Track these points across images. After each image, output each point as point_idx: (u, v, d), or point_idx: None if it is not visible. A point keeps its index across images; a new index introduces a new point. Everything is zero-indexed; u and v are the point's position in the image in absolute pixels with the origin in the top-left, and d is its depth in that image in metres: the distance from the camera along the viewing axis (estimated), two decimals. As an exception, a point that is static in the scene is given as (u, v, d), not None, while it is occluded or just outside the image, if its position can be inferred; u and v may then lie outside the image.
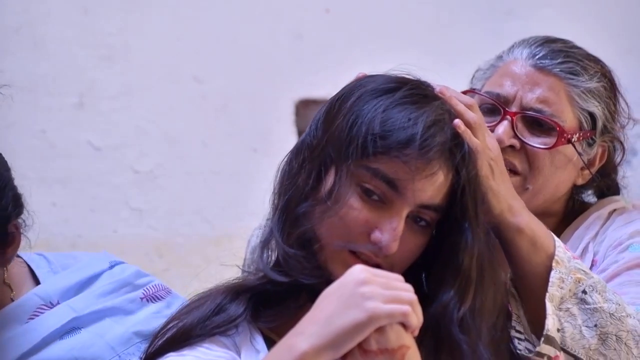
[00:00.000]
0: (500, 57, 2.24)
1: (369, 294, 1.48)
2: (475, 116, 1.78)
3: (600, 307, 1.85)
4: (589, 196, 2.29)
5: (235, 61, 3.65)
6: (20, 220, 1.91)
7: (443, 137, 1.65)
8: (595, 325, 1.85)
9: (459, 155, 1.67)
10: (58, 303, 1.96)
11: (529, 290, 1.84)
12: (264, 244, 1.71)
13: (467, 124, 1.75)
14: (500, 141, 2.09)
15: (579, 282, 1.85)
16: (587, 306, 1.85)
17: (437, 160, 1.64)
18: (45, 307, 1.95)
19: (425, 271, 1.71)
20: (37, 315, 1.94)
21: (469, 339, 1.65)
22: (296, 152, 1.72)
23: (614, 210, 2.22)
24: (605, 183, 2.26)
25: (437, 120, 1.66)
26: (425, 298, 1.71)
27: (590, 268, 2.13)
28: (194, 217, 3.61)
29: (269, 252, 1.71)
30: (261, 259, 1.70)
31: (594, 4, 3.77)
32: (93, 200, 3.57)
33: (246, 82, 3.66)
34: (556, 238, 1.88)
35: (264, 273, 1.69)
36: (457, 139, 1.67)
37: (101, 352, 1.93)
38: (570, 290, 1.84)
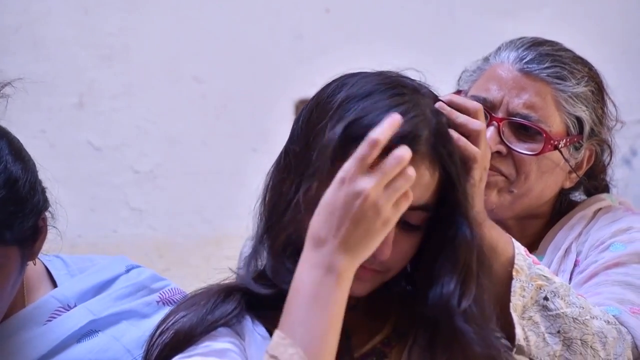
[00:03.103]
0: (487, 60, 2.22)
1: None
2: (479, 124, 1.76)
3: (562, 312, 1.85)
4: (578, 195, 2.29)
5: (235, 61, 3.65)
6: (47, 214, 1.91)
7: (425, 136, 1.63)
8: (559, 332, 1.84)
9: (444, 152, 1.65)
10: (75, 306, 1.96)
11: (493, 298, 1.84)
12: (252, 255, 1.70)
13: (470, 132, 1.74)
14: None
15: (540, 288, 1.85)
16: (549, 312, 1.85)
17: (421, 160, 1.62)
18: (63, 310, 1.95)
19: (412, 266, 1.71)
20: (55, 318, 1.94)
21: (477, 329, 1.65)
22: (280, 158, 1.71)
23: (599, 209, 2.21)
24: (593, 184, 2.25)
25: (419, 119, 1.64)
26: (409, 292, 1.74)
27: (573, 268, 2.13)
28: (194, 217, 3.61)
29: (256, 262, 1.71)
30: (247, 270, 1.69)
31: (592, 5, 3.77)
32: (93, 200, 3.57)
33: (246, 82, 3.66)
34: (517, 245, 1.87)
35: (249, 287, 1.69)
36: (440, 136, 1.65)
37: (118, 356, 1.93)
38: (531, 297, 1.84)
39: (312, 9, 3.71)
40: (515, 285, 1.83)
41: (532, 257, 1.89)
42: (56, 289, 1.98)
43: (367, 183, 1.50)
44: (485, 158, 1.78)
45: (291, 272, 1.60)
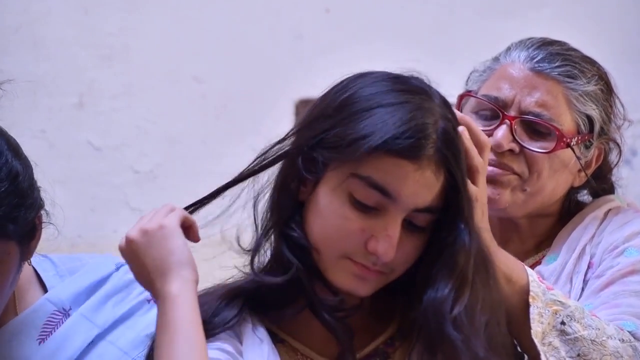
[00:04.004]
0: (497, 59, 2.23)
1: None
2: (479, 161, 1.77)
3: (580, 335, 1.85)
4: (584, 196, 2.29)
5: (235, 61, 3.65)
6: (42, 212, 1.91)
7: (433, 139, 1.63)
8: (579, 355, 1.84)
9: (450, 156, 1.64)
10: (70, 309, 1.95)
11: (510, 328, 1.83)
12: (255, 251, 1.71)
13: (472, 168, 1.75)
14: (499, 145, 2.10)
15: (556, 313, 1.85)
16: (567, 337, 1.85)
17: (427, 163, 1.62)
18: (59, 313, 1.94)
19: (414, 268, 1.70)
20: (52, 322, 1.93)
21: (464, 337, 1.64)
22: (286, 157, 1.70)
23: (609, 210, 2.22)
24: (601, 183, 2.26)
25: (427, 124, 1.63)
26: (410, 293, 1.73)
27: (587, 270, 2.13)
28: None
29: (259, 258, 1.71)
30: (252, 266, 1.70)
31: (591, 5, 3.77)
32: (93, 200, 3.57)
33: (246, 82, 3.66)
34: (530, 271, 1.88)
35: (257, 279, 1.70)
36: (447, 139, 1.65)
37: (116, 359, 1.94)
38: (549, 323, 1.84)
39: (312, 9, 3.71)
40: (534, 312, 1.83)
41: (546, 283, 1.89)
42: (50, 292, 1.96)
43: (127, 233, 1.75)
44: (483, 195, 1.79)
45: (298, 267, 1.64)
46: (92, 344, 1.94)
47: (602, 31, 3.66)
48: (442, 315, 1.64)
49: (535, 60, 2.17)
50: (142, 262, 1.68)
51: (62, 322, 1.94)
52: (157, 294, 1.65)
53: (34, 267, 1.99)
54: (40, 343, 1.92)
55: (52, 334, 1.93)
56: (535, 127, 2.14)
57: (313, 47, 3.69)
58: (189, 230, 1.72)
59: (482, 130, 2.01)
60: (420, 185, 1.62)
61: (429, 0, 3.75)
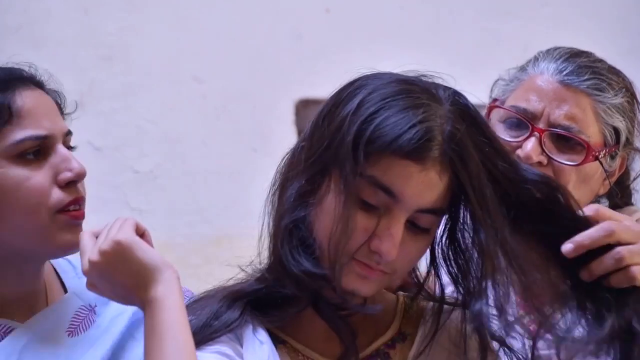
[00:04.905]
0: (524, 70, 2.24)
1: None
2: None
3: None
4: (604, 202, 2.31)
5: (235, 61, 3.66)
6: None
7: (438, 141, 1.63)
8: None
9: (456, 158, 1.65)
10: (96, 306, 1.96)
11: None
12: (272, 255, 1.72)
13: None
14: (528, 158, 2.12)
15: None
16: None
17: (431, 164, 1.63)
18: (85, 309, 1.95)
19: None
20: (80, 317, 1.94)
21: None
22: (293, 154, 1.72)
23: (636, 220, 2.23)
24: (621, 190, 2.27)
25: (434, 126, 1.64)
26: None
27: None
28: (194, 217, 3.61)
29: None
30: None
31: (593, 4, 3.78)
32: (93, 200, 3.57)
33: (246, 82, 3.67)
34: None
35: (267, 277, 1.70)
36: (453, 142, 1.65)
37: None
38: None
39: (312, 9, 3.71)
40: None
41: None
42: (75, 289, 1.98)
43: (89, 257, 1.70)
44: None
45: (299, 262, 1.65)
46: (121, 344, 1.94)
47: (602, 31, 3.67)
48: (484, 319, 1.68)
49: (564, 73, 2.19)
50: (114, 281, 1.69)
51: (90, 318, 1.95)
52: (142, 303, 1.67)
53: (54, 268, 2.01)
54: (69, 335, 1.93)
55: (81, 327, 1.94)
56: (564, 140, 2.16)
57: (313, 47, 3.69)
58: (143, 238, 1.72)
59: (510, 142, 2.08)
60: (424, 186, 1.63)
61: (428, 0, 3.76)
